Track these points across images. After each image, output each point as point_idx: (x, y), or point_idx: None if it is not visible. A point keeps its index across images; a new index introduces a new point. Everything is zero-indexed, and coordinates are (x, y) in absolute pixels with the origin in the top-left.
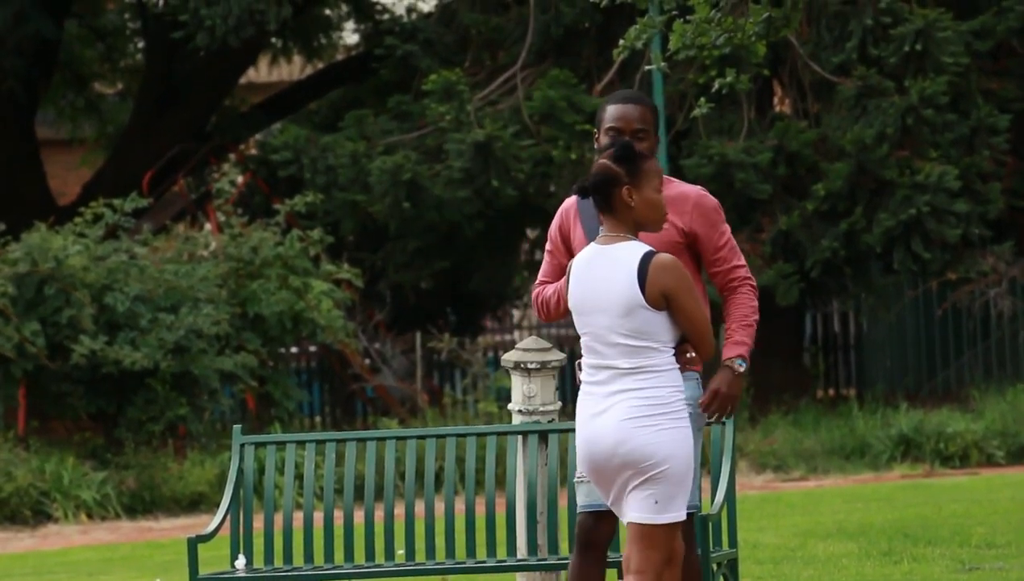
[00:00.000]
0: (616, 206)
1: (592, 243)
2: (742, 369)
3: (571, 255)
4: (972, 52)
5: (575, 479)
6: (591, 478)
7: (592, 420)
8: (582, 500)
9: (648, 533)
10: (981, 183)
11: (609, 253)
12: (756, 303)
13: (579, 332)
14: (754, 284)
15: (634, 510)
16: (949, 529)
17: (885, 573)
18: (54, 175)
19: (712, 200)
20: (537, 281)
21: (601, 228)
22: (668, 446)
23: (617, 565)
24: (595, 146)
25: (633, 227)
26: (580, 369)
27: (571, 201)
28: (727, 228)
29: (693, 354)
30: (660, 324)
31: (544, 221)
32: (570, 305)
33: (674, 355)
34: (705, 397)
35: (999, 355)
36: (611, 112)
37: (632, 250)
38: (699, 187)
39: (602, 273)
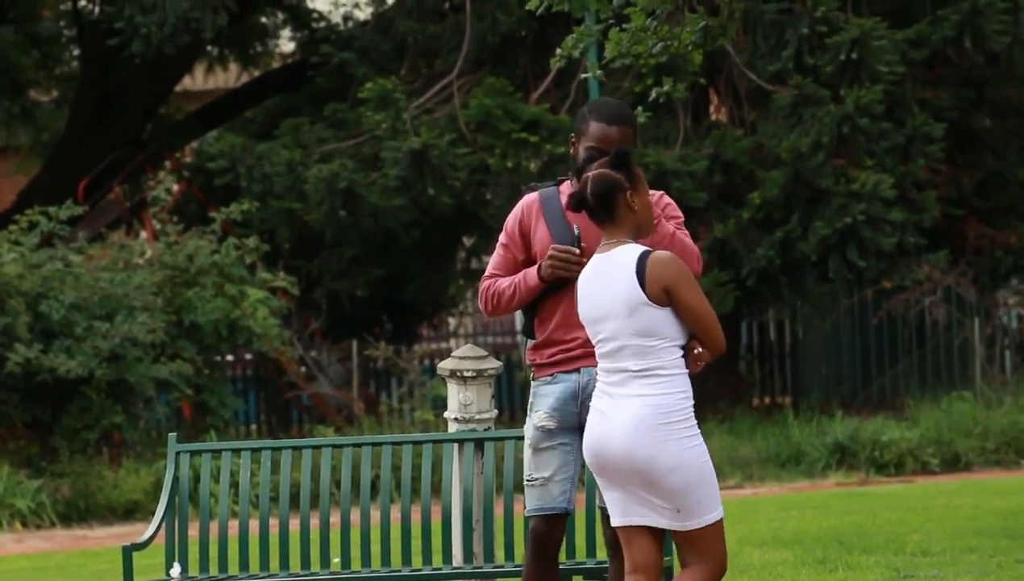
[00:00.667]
0: (618, 213)
1: (596, 254)
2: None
3: (528, 252)
4: (907, 61)
5: (526, 482)
6: (598, 475)
7: (602, 417)
8: (534, 503)
9: (688, 537)
10: (916, 192)
11: (610, 259)
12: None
13: (593, 339)
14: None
15: (664, 518)
16: (884, 537)
17: None
18: None
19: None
20: (487, 273)
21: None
22: (672, 459)
23: (583, 571)
24: (570, 152)
25: (634, 232)
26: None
27: (533, 198)
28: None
29: (701, 350)
30: (666, 321)
31: (480, 229)
32: (581, 318)
33: (683, 355)
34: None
35: (934, 363)
36: (595, 130)
37: (630, 251)
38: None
39: (605, 279)
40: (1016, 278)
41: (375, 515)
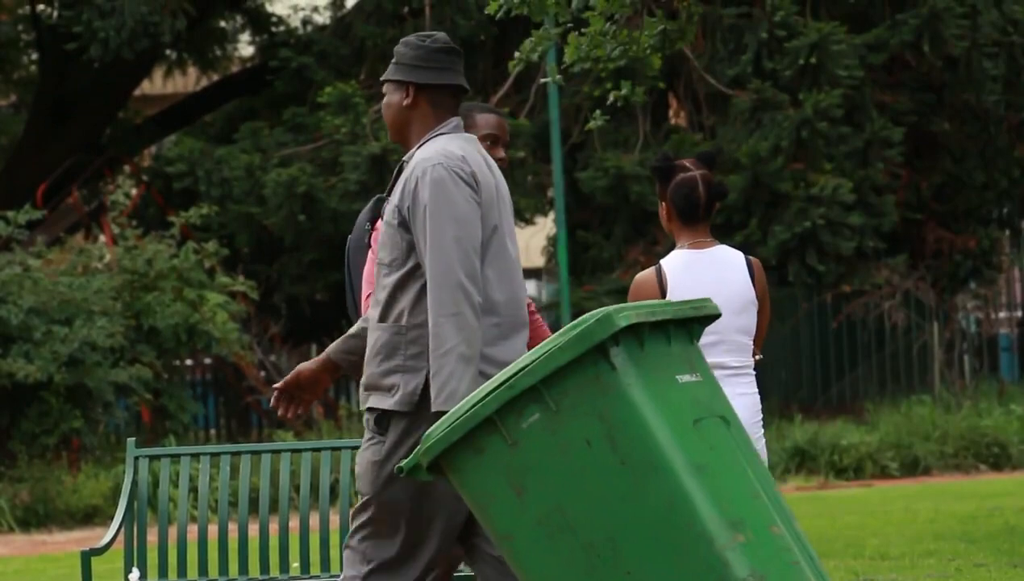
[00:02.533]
0: (711, 213)
1: (682, 250)
2: None
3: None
4: (866, 65)
5: None
6: None
7: None
8: None
9: None
10: (875, 196)
11: (711, 255)
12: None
13: None
14: None
15: None
16: (843, 541)
17: None
18: None
19: None
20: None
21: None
22: (765, 452)
23: None
24: None
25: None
26: None
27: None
28: None
29: (758, 356)
30: (755, 323)
31: None
32: None
33: None
34: None
35: (893, 367)
36: (487, 120)
37: (732, 251)
38: None
39: (711, 275)
40: (975, 282)
41: (334, 519)
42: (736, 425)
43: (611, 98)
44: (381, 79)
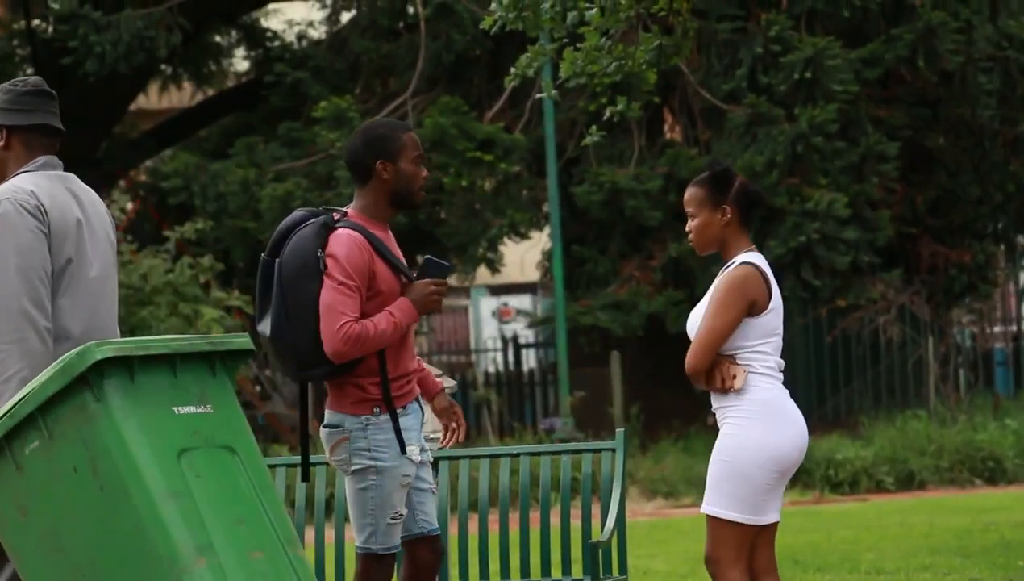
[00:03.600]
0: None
1: (753, 252)
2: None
3: (369, 293)
4: (861, 80)
5: (391, 520)
6: (783, 477)
7: (802, 418)
8: (394, 537)
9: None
10: (870, 210)
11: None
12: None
13: (775, 331)
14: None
15: (779, 510)
16: (839, 555)
17: None
18: None
19: None
20: (348, 317)
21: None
22: None
23: None
24: (383, 176)
25: None
26: (736, 375)
27: (359, 239)
28: None
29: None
30: None
31: (435, 248)
32: (776, 302)
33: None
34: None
35: (888, 382)
36: (415, 139)
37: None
38: None
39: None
40: (970, 297)
41: (330, 534)
42: (249, 454)
43: (607, 113)
44: None
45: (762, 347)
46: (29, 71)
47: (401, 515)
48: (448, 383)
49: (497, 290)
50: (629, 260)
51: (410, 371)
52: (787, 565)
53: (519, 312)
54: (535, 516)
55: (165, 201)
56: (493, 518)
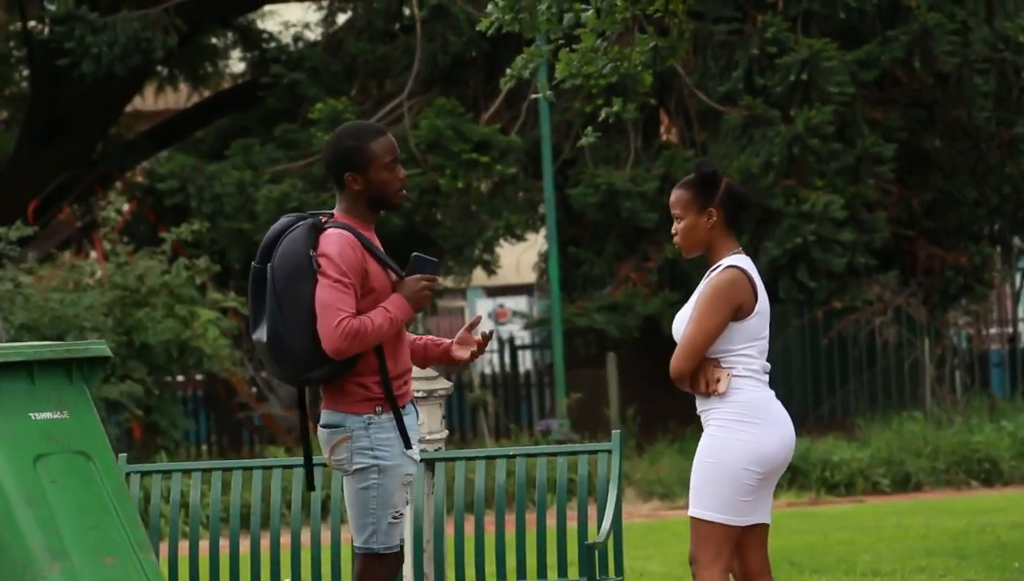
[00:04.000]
0: None
1: (740, 255)
2: None
3: (363, 290)
4: (857, 82)
5: (392, 518)
6: (773, 475)
7: (785, 413)
8: (395, 539)
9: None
10: (867, 212)
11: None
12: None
13: (760, 334)
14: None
15: (769, 513)
16: (835, 557)
17: None
18: None
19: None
20: (346, 312)
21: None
22: None
23: None
24: (353, 188)
25: None
26: (720, 379)
27: (350, 237)
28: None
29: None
30: None
31: (431, 249)
32: (762, 306)
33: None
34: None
35: (885, 384)
36: (385, 144)
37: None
38: None
39: (761, 282)
40: (966, 298)
41: (325, 536)
42: (104, 459)
43: (602, 114)
44: None
45: (747, 351)
46: (25, 72)
47: (402, 514)
48: (443, 385)
49: (493, 292)
50: (625, 262)
51: (407, 370)
52: (783, 566)
53: (515, 314)
54: (531, 517)
55: (161, 203)
56: (489, 520)
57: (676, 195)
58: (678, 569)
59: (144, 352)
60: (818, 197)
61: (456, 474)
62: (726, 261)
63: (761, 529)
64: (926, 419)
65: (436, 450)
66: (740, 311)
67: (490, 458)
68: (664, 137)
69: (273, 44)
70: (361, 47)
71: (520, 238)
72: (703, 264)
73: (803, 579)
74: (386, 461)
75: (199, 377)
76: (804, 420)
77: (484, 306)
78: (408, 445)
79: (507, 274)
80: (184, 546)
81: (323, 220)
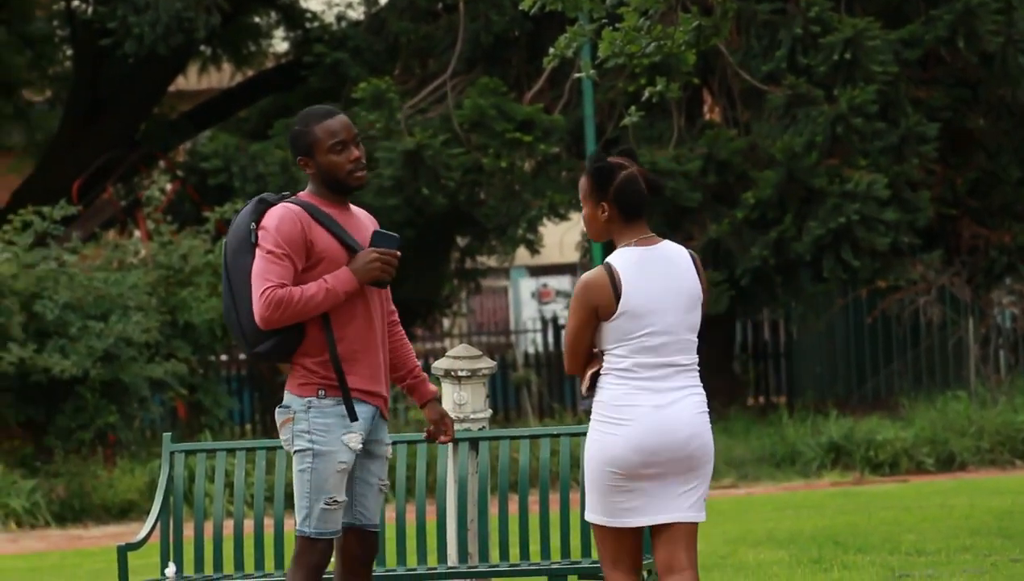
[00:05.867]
0: (649, 208)
1: (630, 247)
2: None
3: (309, 262)
4: (901, 61)
5: (325, 505)
6: (640, 470)
7: (658, 411)
8: (331, 525)
9: (695, 531)
10: (910, 191)
11: (659, 252)
12: None
13: (632, 334)
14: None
15: (692, 509)
16: (879, 536)
17: (815, 580)
18: None
19: None
20: (273, 282)
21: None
22: (712, 446)
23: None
24: (308, 170)
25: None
26: (587, 382)
27: (298, 209)
28: None
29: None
30: (700, 320)
31: (474, 229)
32: (628, 306)
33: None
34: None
35: (928, 363)
36: (331, 126)
37: (677, 247)
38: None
39: (660, 272)
40: (1010, 277)
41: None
42: None
43: (646, 94)
44: None
45: (616, 350)
46: (68, 52)
47: (337, 502)
48: (487, 364)
49: (536, 271)
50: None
51: (368, 358)
52: (828, 546)
53: (559, 293)
54: (575, 497)
55: (204, 182)
56: (533, 499)
57: (580, 183)
58: (722, 548)
59: (188, 331)
60: (862, 176)
61: (500, 453)
62: (611, 257)
63: (670, 528)
64: (970, 398)
65: (480, 429)
66: (600, 312)
67: (534, 437)
68: (707, 116)
69: (316, 23)
70: (404, 26)
71: (563, 217)
72: (747, 243)
73: (847, 558)
74: (321, 446)
75: (243, 356)
76: (848, 399)
77: (527, 285)
78: (350, 424)
79: (550, 253)
80: (229, 525)
81: (284, 195)
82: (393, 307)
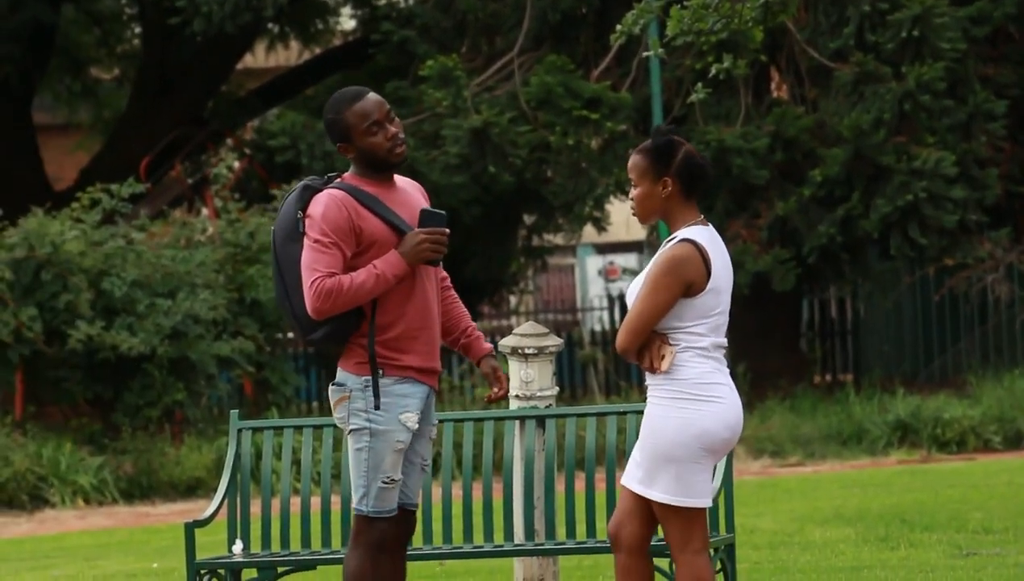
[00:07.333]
0: None
1: (700, 226)
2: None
3: (359, 248)
4: (969, 38)
5: (383, 483)
6: (722, 451)
7: (733, 392)
8: (388, 504)
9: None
10: (978, 169)
11: (713, 232)
12: None
13: (712, 311)
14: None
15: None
16: (946, 514)
17: (882, 558)
18: (51, 160)
19: None
20: (323, 272)
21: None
22: None
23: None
24: (348, 155)
25: None
26: (664, 357)
27: (344, 195)
28: None
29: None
30: None
31: (541, 207)
32: (715, 283)
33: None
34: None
35: (996, 341)
36: (365, 108)
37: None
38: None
39: (723, 251)
40: None
41: (436, 492)
42: None
43: (713, 71)
44: None
45: (696, 328)
46: (137, 30)
47: (394, 480)
48: (553, 342)
49: (603, 249)
50: (735, 219)
51: (417, 333)
52: (895, 524)
53: (625, 270)
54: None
55: (272, 160)
56: (600, 476)
57: (633, 161)
58: (789, 526)
59: (255, 309)
60: (929, 154)
61: (567, 431)
62: (681, 233)
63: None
64: None
65: (547, 407)
66: (691, 288)
67: (600, 415)
68: (775, 94)
69: (384, 1)
70: (471, 4)
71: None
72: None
73: (914, 537)
74: (378, 425)
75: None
76: (915, 377)
77: (594, 263)
78: (377, 407)
79: (617, 231)
80: (296, 502)
81: (329, 177)
82: (445, 273)
